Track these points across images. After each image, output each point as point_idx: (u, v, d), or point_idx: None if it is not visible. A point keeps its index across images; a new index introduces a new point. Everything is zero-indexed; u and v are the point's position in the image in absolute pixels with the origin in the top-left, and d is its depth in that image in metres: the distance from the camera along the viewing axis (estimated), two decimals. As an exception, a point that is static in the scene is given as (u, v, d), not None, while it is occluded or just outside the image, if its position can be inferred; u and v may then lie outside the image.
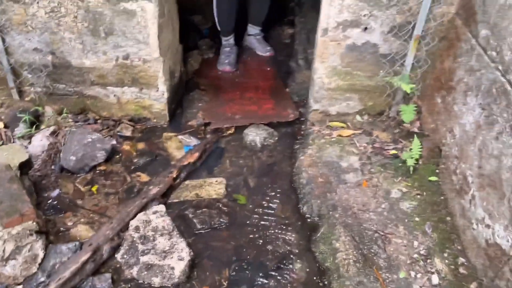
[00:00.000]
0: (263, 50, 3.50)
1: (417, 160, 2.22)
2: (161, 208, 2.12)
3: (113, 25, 2.38)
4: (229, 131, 2.80)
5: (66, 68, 2.58)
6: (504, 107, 1.63)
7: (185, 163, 2.44)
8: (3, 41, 2.46)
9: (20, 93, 2.68)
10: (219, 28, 3.34)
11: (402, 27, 2.23)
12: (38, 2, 2.31)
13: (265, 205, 2.31)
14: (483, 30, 1.84)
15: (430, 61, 2.31)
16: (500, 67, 1.68)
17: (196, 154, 2.50)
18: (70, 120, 2.61)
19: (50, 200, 2.25)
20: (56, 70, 2.58)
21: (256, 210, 2.29)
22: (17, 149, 2.15)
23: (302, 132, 2.75)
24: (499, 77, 1.69)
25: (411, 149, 2.26)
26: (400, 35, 2.26)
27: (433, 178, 2.16)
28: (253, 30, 3.50)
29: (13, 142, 2.48)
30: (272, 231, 2.17)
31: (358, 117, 2.59)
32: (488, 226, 1.69)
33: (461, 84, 2.00)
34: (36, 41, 2.46)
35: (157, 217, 2.05)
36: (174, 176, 2.35)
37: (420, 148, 2.22)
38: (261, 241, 2.13)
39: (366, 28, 2.28)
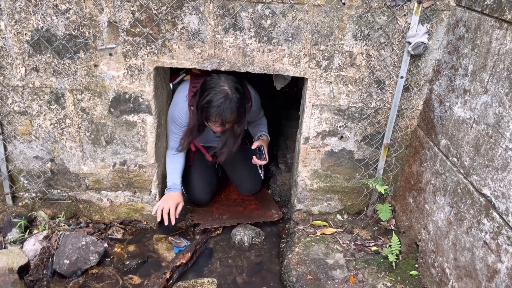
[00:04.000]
0: None
1: (397, 255, 2.40)
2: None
3: (114, 135, 2.60)
4: (217, 232, 2.93)
5: (63, 174, 2.71)
6: (470, 205, 1.89)
7: (178, 264, 2.51)
8: (5, 149, 2.60)
9: (14, 198, 2.75)
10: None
11: (373, 136, 2.57)
12: (45, 115, 2.52)
13: (258, 304, 2.38)
14: (443, 140, 2.18)
15: (399, 165, 2.63)
16: (462, 171, 1.98)
17: (188, 255, 2.58)
18: (62, 224, 2.67)
19: (42, 306, 2.24)
20: (53, 176, 2.71)
21: (249, 309, 2.35)
22: (17, 253, 2.18)
23: (286, 231, 2.92)
24: (462, 179, 1.98)
25: (390, 245, 2.46)
26: (372, 143, 2.59)
27: (413, 272, 2.33)
28: None
29: (5, 247, 2.49)
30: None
31: (338, 216, 2.81)
32: (470, 315, 1.84)
33: (429, 185, 2.29)
34: (37, 150, 2.62)
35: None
36: (168, 277, 2.40)
37: (399, 244, 2.42)
38: None
39: (342, 137, 2.60)
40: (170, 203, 2.65)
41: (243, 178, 3.25)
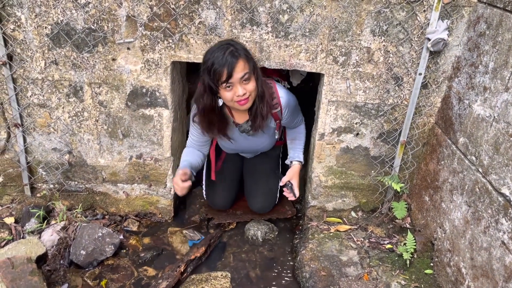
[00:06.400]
0: None
1: (412, 254, 2.39)
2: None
3: (130, 128, 2.62)
4: (231, 226, 2.95)
5: (80, 166, 2.75)
6: (488, 204, 1.87)
7: (192, 257, 2.53)
8: (24, 141, 2.65)
9: (32, 189, 2.81)
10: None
11: (390, 133, 2.55)
12: (63, 107, 2.56)
13: (271, 299, 2.39)
14: (461, 138, 2.15)
15: (415, 163, 2.60)
16: (480, 170, 1.96)
17: (203, 249, 2.60)
18: (79, 215, 2.71)
19: (59, 295, 2.28)
20: (71, 168, 2.75)
21: (262, 304, 2.36)
22: (35, 242, 2.23)
23: (300, 227, 2.92)
24: (480, 178, 1.95)
25: (405, 243, 2.44)
26: (388, 141, 2.57)
27: (428, 271, 2.31)
28: None
29: (23, 237, 2.55)
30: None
31: (353, 213, 2.79)
32: (485, 315, 1.82)
33: (447, 184, 2.26)
34: (56, 142, 2.66)
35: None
36: (182, 270, 2.43)
37: (414, 242, 2.40)
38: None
39: (358, 134, 2.58)
40: (178, 173, 2.42)
41: (257, 194, 2.94)
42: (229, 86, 2.15)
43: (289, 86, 2.90)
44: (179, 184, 2.37)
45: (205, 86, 2.20)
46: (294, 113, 2.64)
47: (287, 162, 2.78)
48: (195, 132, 2.59)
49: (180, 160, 2.59)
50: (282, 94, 2.47)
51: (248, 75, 2.15)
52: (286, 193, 2.59)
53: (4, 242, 2.46)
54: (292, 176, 2.63)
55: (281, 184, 2.63)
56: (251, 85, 2.19)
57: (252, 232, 2.82)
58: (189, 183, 2.41)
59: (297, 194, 2.57)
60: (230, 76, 2.10)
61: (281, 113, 2.51)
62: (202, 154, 2.69)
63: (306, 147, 2.83)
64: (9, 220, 2.63)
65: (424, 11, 2.21)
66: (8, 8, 2.29)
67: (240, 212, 3.03)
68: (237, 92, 2.16)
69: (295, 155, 2.76)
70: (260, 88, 2.27)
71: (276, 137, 2.76)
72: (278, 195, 3.00)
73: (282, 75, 2.91)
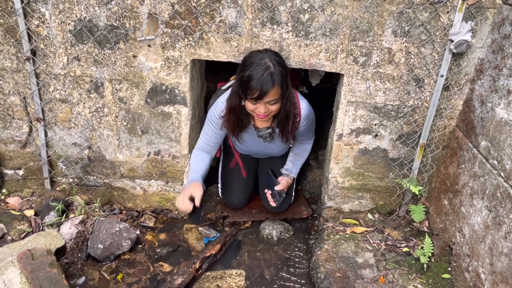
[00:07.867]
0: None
1: (429, 257, 2.35)
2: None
3: (149, 125, 2.64)
4: (246, 225, 2.95)
5: (99, 162, 2.79)
6: (510, 209, 1.83)
7: (208, 254, 2.54)
8: (46, 135, 2.69)
9: (52, 183, 2.85)
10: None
11: (409, 135, 2.52)
12: (84, 103, 2.59)
13: (285, 298, 2.38)
14: (483, 142, 2.11)
15: (435, 166, 2.56)
16: (502, 174, 1.92)
17: (218, 246, 2.61)
18: (97, 210, 2.74)
19: (77, 288, 2.32)
20: (90, 163, 2.79)
21: (276, 303, 2.35)
22: (54, 235, 2.26)
23: (316, 228, 2.90)
24: (502, 183, 1.91)
25: (422, 247, 2.41)
26: (408, 143, 2.54)
27: (446, 276, 2.28)
28: None
29: (42, 229, 2.59)
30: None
31: (369, 215, 2.77)
32: (505, 322, 1.79)
33: (467, 188, 2.22)
34: (76, 137, 2.70)
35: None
36: (197, 267, 2.44)
37: (432, 246, 2.37)
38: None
39: (376, 135, 2.56)
40: (184, 193, 2.43)
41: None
42: (254, 103, 2.25)
43: (307, 91, 2.90)
44: (185, 204, 2.37)
45: (236, 89, 2.30)
46: (310, 126, 2.67)
47: (283, 171, 2.84)
48: (210, 131, 2.57)
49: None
50: (303, 105, 2.50)
51: (276, 101, 2.25)
52: (270, 201, 2.71)
53: (24, 234, 2.52)
54: (285, 187, 2.73)
55: (276, 188, 2.68)
56: (275, 107, 2.29)
57: (267, 231, 2.82)
58: (192, 204, 2.39)
59: (277, 205, 2.73)
60: (260, 98, 2.19)
61: (299, 123, 2.53)
62: (210, 158, 2.66)
63: (323, 147, 2.82)
64: (29, 213, 2.68)
65: (448, 12, 2.17)
66: (33, 4, 2.33)
67: (256, 211, 3.03)
68: (259, 110, 2.26)
69: (293, 170, 2.85)
70: (288, 108, 2.36)
71: (290, 145, 2.80)
72: (293, 194, 3.01)
73: (299, 78, 2.91)
